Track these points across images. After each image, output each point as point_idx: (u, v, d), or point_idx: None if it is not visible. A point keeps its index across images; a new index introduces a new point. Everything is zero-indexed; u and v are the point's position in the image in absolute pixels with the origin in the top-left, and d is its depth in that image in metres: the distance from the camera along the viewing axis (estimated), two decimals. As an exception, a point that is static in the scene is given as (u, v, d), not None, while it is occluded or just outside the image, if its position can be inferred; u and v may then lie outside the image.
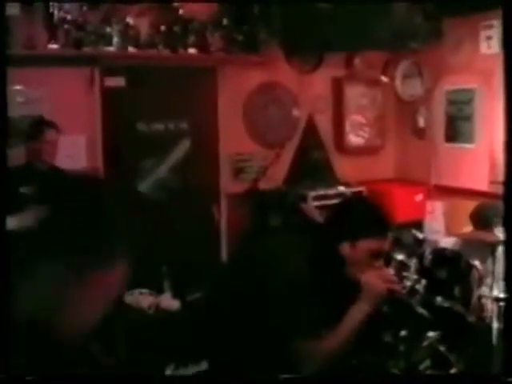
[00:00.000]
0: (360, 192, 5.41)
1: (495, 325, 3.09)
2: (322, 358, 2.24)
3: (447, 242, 3.25)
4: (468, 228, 3.96)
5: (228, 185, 5.26)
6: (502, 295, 3.04)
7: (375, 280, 2.34)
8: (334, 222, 2.46)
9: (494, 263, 3.17)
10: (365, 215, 2.41)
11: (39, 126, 4.05)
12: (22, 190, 3.87)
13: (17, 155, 4.13)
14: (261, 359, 2.32)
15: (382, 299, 2.36)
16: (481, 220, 3.72)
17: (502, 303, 3.07)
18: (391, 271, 2.96)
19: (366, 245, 2.36)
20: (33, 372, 0.99)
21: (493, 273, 3.18)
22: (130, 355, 2.95)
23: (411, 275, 2.90)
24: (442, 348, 2.68)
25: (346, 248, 2.38)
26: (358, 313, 2.31)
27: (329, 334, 2.27)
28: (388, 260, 3.00)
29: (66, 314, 1.06)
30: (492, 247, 3.18)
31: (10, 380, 1.01)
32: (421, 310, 2.70)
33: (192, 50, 4.87)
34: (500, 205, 3.68)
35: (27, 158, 4.04)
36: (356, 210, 2.47)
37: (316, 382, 1.80)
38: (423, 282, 2.88)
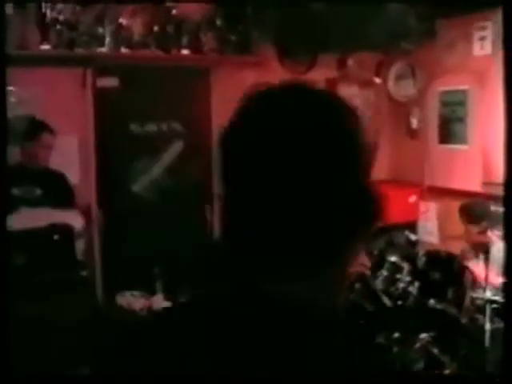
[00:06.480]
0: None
1: (488, 326, 3.09)
2: None
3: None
4: (461, 229, 3.96)
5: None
6: (495, 297, 3.04)
7: None
8: None
9: (486, 265, 3.17)
10: None
11: (37, 130, 3.99)
12: (14, 191, 3.86)
13: (9, 156, 4.10)
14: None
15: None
16: (470, 216, 3.72)
17: (494, 305, 3.07)
18: (384, 273, 2.96)
19: None
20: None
21: (486, 274, 3.18)
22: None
23: (404, 277, 2.89)
24: (434, 350, 2.68)
25: None
26: None
27: None
28: (381, 262, 3.00)
29: None
30: (485, 248, 3.18)
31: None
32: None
33: (185, 51, 4.86)
34: (489, 203, 3.69)
35: (21, 159, 4.00)
36: None
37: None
38: (416, 284, 2.88)
